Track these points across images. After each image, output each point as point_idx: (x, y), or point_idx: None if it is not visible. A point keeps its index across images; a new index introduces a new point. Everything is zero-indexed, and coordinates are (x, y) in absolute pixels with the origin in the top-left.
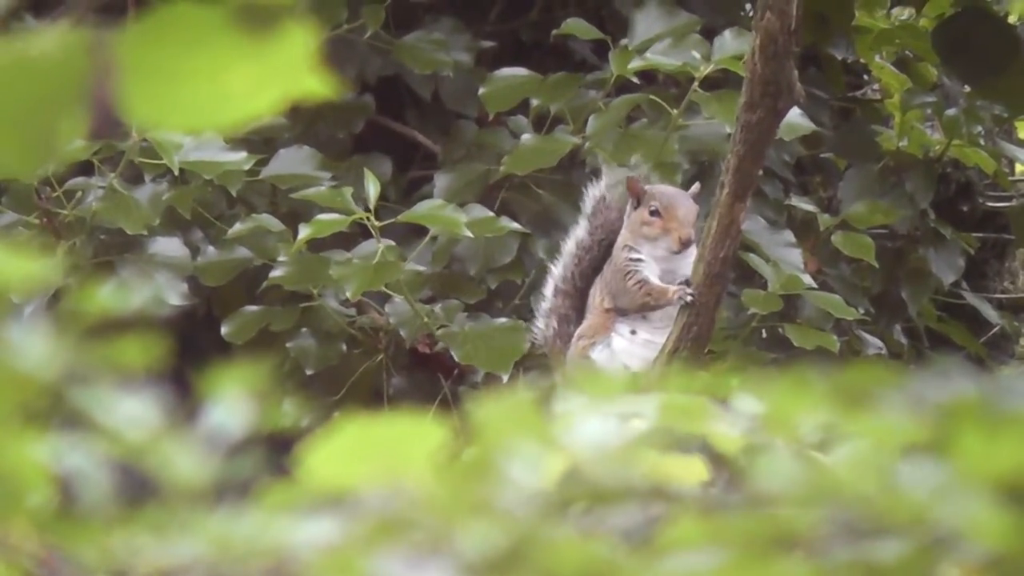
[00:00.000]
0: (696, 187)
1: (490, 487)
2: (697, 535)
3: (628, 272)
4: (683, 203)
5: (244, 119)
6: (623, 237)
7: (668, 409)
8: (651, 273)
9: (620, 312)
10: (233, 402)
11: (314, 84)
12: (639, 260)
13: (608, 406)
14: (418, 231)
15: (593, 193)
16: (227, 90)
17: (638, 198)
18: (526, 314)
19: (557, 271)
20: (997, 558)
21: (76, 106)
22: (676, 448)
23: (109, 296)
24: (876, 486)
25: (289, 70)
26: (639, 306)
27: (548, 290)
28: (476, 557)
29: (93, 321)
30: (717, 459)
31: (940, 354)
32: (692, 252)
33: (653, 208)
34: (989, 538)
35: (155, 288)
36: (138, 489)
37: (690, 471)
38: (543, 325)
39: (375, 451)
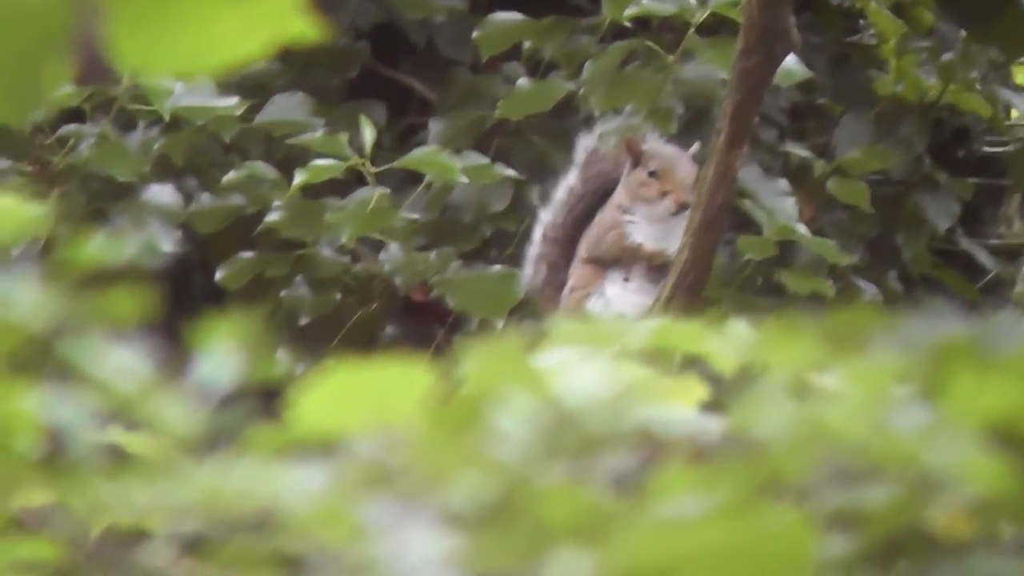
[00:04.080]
0: (696, 147)
1: (479, 434)
2: (687, 482)
3: (614, 228)
4: (682, 165)
5: (233, 63)
6: (619, 196)
7: (663, 331)
8: (643, 233)
9: (597, 262)
10: (224, 353)
11: (304, 28)
12: (631, 222)
13: (599, 345)
14: (413, 179)
15: (585, 144)
16: (216, 34)
17: (636, 158)
18: (520, 262)
19: (547, 218)
20: (985, 502)
21: (63, 51)
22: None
23: (100, 246)
24: (867, 428)
25: (279, 14)
26: (613, 258)
27: (537, 237)
28: (466, 505)
29: (84, 271)
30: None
31: (935, 300)
32: (688, 214)
33: (652, 170)
34: (979, 482)
35: (148, 235)
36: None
37: (689, 392)
38: (532, 272)
39: (364, 396)
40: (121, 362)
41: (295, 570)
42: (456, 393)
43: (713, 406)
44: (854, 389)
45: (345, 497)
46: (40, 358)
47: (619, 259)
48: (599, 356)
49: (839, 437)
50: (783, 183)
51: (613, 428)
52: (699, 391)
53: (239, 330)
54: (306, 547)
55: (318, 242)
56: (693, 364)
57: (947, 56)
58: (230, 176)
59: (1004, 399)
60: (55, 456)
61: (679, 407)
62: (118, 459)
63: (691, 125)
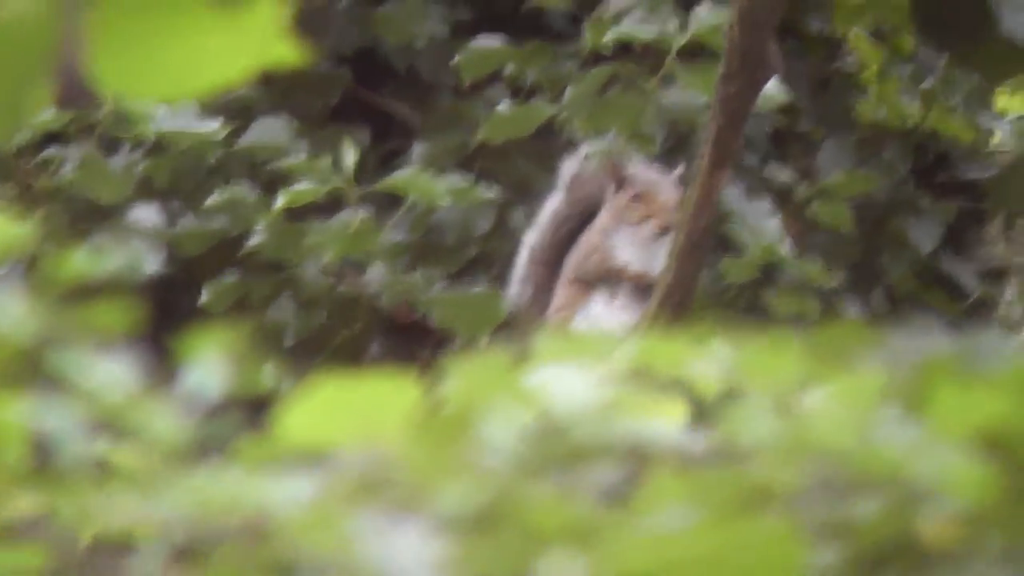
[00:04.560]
0: (680, 170)
1: (466, 446)
2: (674, 493)
3: (599, 250)
4: (664, 189)
5: (215, 87)
6: (604, 218)
7: (646, 350)
8: (627, 255)
9: (582, 283)
10: (211, 364)
11: (287, 52)
12: (615, 244)
13: (586, 361)
14: (396, 203)
15: (570, 166)
16: (198, 57)
17: (619, 182)
18: (506, 283)
19: (533, 239)
20: (972, 512)
21: (45, 73)
22: (655, 390)
23: (85, 260)
24: (852, 441)
25: (261, 38)
26: (598, 279)
27: (523, 257)
28: (455, 513)
29: (70, 285)
30: (695, 403)
31: (920, 320)
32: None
33: (634, 193)
34: (966, 492)
35: (133, 257)
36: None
37: (669, 412)
38: (518, 292)
39: (351, 409)
40: (109, 373)
41: None
42: (443, 405)
43: (698, 421)
44: (840, 402)
45: (334, 506)
46: (29, 370)
47: (604, 280)
48: (585, 371)
49: (826, 449)
50: (767, 204)
51: (600, 440)
52: (680, 410)
53: (226, 342)
54: (296, 555)
55: (302, 263)
56: (677, 383)
57: (928, 82)
58: (213, 198)
59: (989, 412)
60: (44, 466)
61: (664, 421)
62: (107, 469)
63: (675, 148)
